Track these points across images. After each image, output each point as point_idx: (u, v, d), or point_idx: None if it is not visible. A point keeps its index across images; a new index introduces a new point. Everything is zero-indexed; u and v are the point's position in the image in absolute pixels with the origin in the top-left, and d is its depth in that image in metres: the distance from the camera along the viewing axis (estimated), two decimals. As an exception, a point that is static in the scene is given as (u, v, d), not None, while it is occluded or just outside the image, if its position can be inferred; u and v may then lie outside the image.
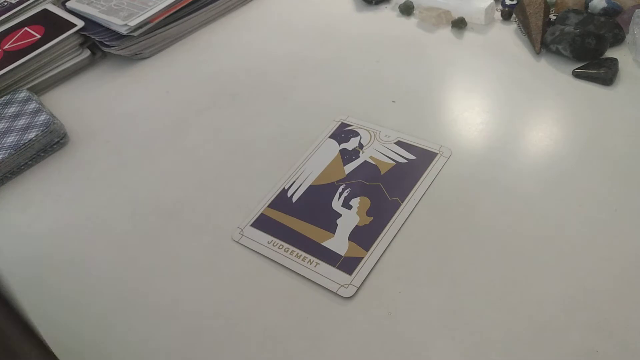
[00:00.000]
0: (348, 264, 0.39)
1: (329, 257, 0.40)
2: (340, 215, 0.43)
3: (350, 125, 0.51)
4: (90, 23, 0.68)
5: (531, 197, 0.41)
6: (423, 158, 0.46)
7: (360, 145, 0.48)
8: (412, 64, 0.57)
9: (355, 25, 0.65)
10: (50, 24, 0.69)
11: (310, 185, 0.46)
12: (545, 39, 0.53)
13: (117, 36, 0.65)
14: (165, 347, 0.37)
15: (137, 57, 0.67)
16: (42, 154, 0.55)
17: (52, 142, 0.55)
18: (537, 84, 0.51)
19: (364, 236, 0.41)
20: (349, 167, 0.46)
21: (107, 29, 0.66)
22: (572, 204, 0.40)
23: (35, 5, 0.75)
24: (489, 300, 0.35)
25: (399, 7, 0.64)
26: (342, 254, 0.40)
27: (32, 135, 0.54)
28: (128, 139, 0.56)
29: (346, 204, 0.43)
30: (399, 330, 0.35)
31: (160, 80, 0.63)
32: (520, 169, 0.43)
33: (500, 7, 0.60)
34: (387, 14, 0.65)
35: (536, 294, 0.35)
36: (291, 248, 0.41)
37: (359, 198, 0.44)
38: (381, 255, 0.39)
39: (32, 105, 0.58)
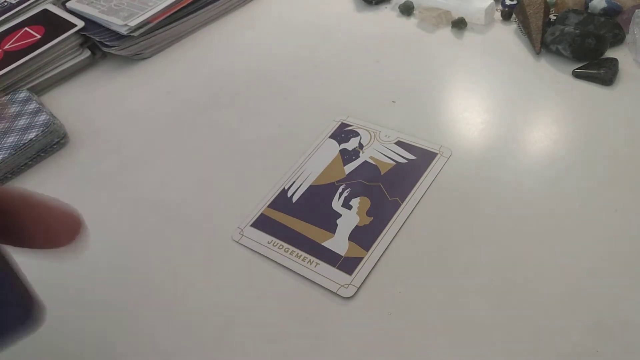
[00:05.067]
0: (348, 264, 0.39)
1: (329, 257, 0.40)
2: (340, 215, 0.43)
3: (350, 125, 0.51)
4: (90, 23, 0.68)
5: (531, 196, 0.41)
6: (423, 158, 0.46)
7: (360, 145, 0.48)
8: (412, 64, 0.57)
9: (355, 25, 0.65)
10: (51, 24, 0.69)
11: (310, 185, 0.46)
12: (545, 39, 0.53)
13: (117, 36, 0.65)
14: (165, 347, 0.37)
15: (137, 57, 0.67)
16: (42, 154, 0.55)
17: (52, 142, 0.55)
18: (537, 84, 0.51)
19: (364, 236, 0.41)
20: (349, 167, 0.46)
21: (107, 29, 0.66)
22: (572, 204, 0.40)
23: (35, 6, 0.75)
24: (489, 300, 0.35)
25: (399, 7, 0.64)
26: (342, 254, 0.40)
27: (32, 135, 0.54)
28: (128, 139, 0.56)
29: (346, 204, 0.43)
30: (399, 330, 0.35)
31: (160, 80, 0.63)
32: (520, 169, 0.43)
33: (500, 7, 0.60)
34: (387, 14, 0.65)
35: (536, 294, 0.35)
36: (291, 248, 0.41)
37: (359, 198, 0.44)
38: (381, 255, 0.39)
39: (32, 106, 0.58)
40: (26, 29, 0.69)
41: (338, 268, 0.39)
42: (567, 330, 0.33)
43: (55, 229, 0.22)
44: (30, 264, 0.45)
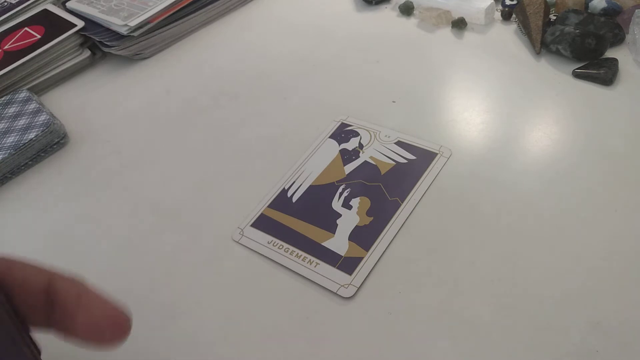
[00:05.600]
0: (348, 264, 0.39)
1: (329, 257, 0.40)
2: (340, 215, 0.43)
3: (350, 125, 0.51)
4: (91, 23, 0.68)
5: (531, 197, 0.41)
6: (423, 158, 0.46)
7: (360, 145, 0.48)
8: (412, 64, 0.57)
9: (355, 25, 0.65)
10: (51, 24, 0.69)
11: (310, 185, 0.46)
12: (545, 39, 0.53)
13: (117, 36, 0.65)
14: (164, 346, 0.37)
15: (137, 57, 0.67)
16: (43, 154, 0.55)
17: (52, 142, 0.55)
18: (537, 84, 0.51)
19: (364, 236, 0.41)
20: (349, 167, 0.46)
21: (107, 29, 0.66)
22: (571, 204, 0.40)
23: (35, 6, 0.75)
24: (489, 300, 0.35)
25: (399, 7, 0.64)
26: (342, 254, 0.40)
27: (32, 135, 0.54)
28: (128, 139, 0.56)
29: (346, 204, 0.43)
30: (399, 330, 0.35)
31: (161, 80, 0.63)
32: (520, 169, 0.43)
33: (500, 7, 0.60)
34: (387, 14, 0.65)
35: (536, 294, 0.35)
36: (291, 248, 0.41)
37: (359, 198, 0.44)
38: (381, 255, 0.39)
39: (32, 106, 0.58)
40: (26, 29, 0.69)
41: (338, 268, 0.39)
42: (567, 330, 0.33)
43: (103, 326, 0.22)
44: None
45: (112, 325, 0.22)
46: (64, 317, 0.21)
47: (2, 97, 0.61)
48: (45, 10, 0.73)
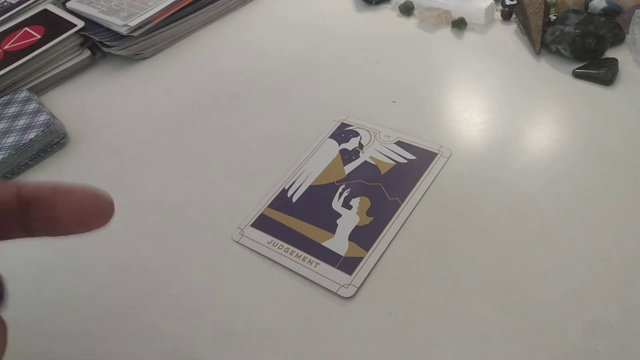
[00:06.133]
0: (348, 264, 0.39)
1: (329, 257, 0.40)
2: (340, 215, 0.43)
3: (350, 125, 0.51)
4: (91, 23, 0.68)
5: (531, 197, 0.41)
6: (423, 158, 0.46)
7: (360, 145, 0.48)
8: (412, 64, 0.57)
9: (355, 25, 0.65)
10: (51, 24, 0.69)
11: (310, 185, 0.46)
12: (545, 39, 0.53)
13: (117, 36, 0.65)
14: (164, 347, 0.37)
15: (137, 57, 0.67)
16: (43, 154, 0.55)
17: (52, 142, 0.55)
18: (537, 84, 0.51)
19: (364, 236, 0.41)
20: (349, 167, 0.46)
21: (107, 29, 0.66)
22: (572, 204, 0.40)
23: (35, 6, 0.75)
24: (489, 300, 0.35)
25: (399, 7, 0.64)
26: (342, 254, 0.40)
27: (32, 135, 0.54)
28: (128, 139, 0.56)
29: (346, 204, 0.43)
30: (399, 330, 0.35)
31: (160, 80, 0.63)
32: (520, 169, 0.43)
33: (500, 7, 0.60)
34: (387, 14, 0.65)
35: (536, 294, 0.35)
36: (291, 248, 0.41)
37: (359, 198, 0.44)
38: (381, 256, 0.39)
39: (32, 106, 0.58)
40: (26, 29, 0.69)
41: (338, 268, 0.39)
42: (567, 330, 0.33)
43: (87, 213, 0.22)
44: (31, 264, 0.45)
45: (95, 203, 0.22)
46: (44, 212, 0.21)
47: (2, 97, 0.61)
48: (45, 10, 0.73)
